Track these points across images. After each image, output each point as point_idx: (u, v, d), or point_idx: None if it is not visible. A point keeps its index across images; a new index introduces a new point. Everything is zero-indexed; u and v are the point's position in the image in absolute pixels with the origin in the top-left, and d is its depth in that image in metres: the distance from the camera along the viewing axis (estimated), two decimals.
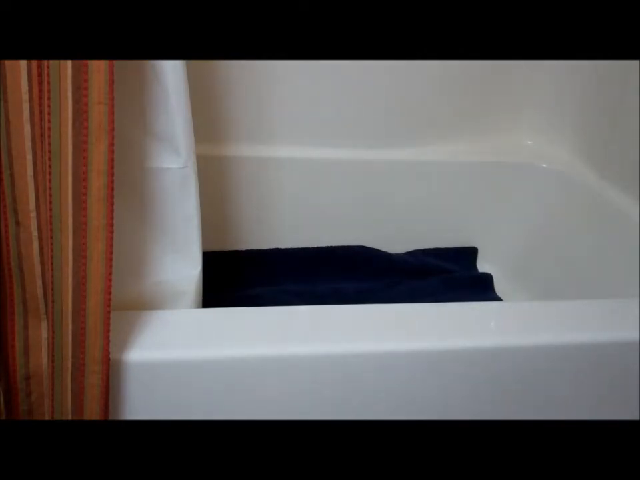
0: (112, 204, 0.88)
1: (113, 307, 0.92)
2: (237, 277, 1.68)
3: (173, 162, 1.09)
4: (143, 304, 1.12)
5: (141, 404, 1.01)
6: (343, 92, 1.70)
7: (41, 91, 0.83)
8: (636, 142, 1.50)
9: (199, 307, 1.21)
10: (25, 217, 0.89)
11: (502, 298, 1.74)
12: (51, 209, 0.87)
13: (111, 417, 0.97)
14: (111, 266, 0.90)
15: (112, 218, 0.88)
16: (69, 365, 0.92)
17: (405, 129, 1.76)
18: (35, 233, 0.89)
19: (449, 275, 1.76)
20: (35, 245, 0.90)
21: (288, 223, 1.79)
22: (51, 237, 0.88)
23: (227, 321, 1.09)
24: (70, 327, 0.90)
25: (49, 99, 0.83)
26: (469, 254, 1.86)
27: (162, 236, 1.14)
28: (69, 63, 0.81)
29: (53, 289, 0.90)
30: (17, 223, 0.89)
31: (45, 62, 0.82)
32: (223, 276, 1.56)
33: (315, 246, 1.79)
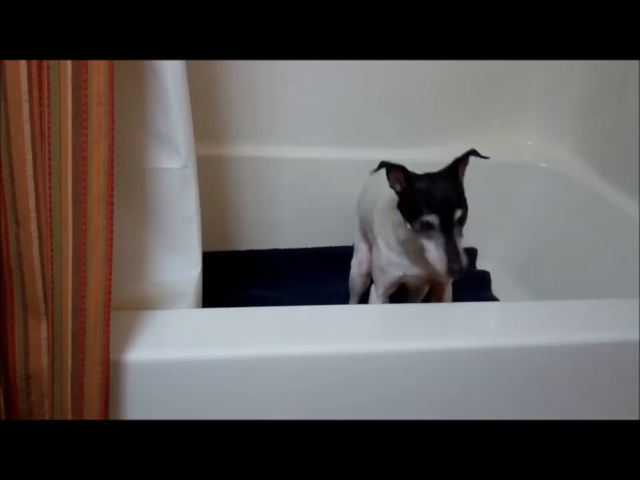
0: (112, 204, 0.88)
1: (113, 307, 0.92)
2: (237, 277, 1.68)
3: (173, 162, 1.09)
4: (143, 304, 1.11)
5: (141, 404, 1.01)
6: (343, 92, 1.70)
7: (40, 90, 0.83)
8: (636, 142, 1.50)
9: (199, 307, 1.21)
10: (25, 217, 0.89)
11: (500, 297, 1.75)
12: (50, 209, 0.87)
13: (111, 417, 0.97)
14: (110, 266, 0.90)
15: (112, 218, 0.88)
16: (69, 365, 0.92)
17: (405, 129, 1.75)
18: (34, 233, 0.89)
19: None
20: (35, 245, 0.90)
21: (288, 222, 1.79)
22: (51, 237, 0.88)
23: (226, 321, 1.09)
24: (70, 327, 0.90)
25: (48, 98, 0.83)
26: (468, 254, 1.86)
27: (162, 236, 1.13)
28: (69, 63, 0.81)
29: (53, 289, 0.90)
30: (17, 223, 0.89)
31: (45, 62, 0.82)
32: (223, 276, 1.56)
33: (315, 246, 1.79)
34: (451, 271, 1.07)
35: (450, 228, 1.08)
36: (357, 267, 1.50)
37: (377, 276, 1.30)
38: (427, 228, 1.07)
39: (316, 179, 1.75)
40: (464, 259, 1.08)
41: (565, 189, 1.76)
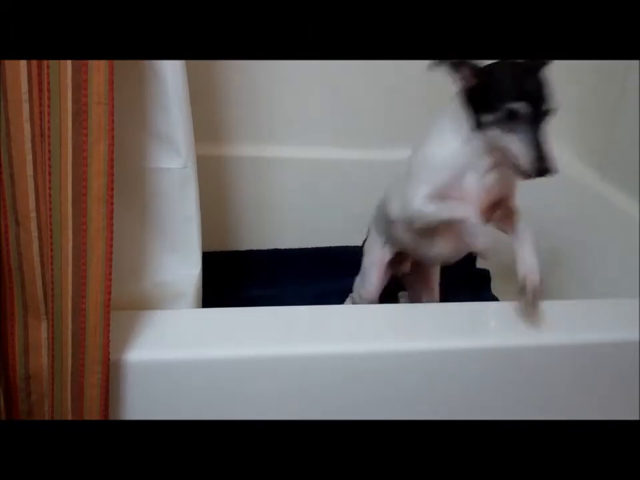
0: (112, 204, 0.88)
1: (113, 307, 0.92)
2: (237, 277, 1.68)
3: (173, 162, 1.09)
4: (143, 304, 1.12)
5: (141, 404, 1.01)
6: (343, 92, 1.70)
7: (40, 90, 0.83)
8: (636, 142, 1.50)
9: (198, 307, 1.21)
10: (25, 217, 0.89)
11: (499, 297, 1.74)
12: (50, 209, 0.87)
13: (111, 417, 0.97)
14: (110, 266, 0.90)
15: (112, 218, 0.88)
16: (69, 365, 0.92)
17: (405, 129, 1.75)
18: (34, 233, 0.89)
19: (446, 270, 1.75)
20: (35, 245, 0.90)
21: (288, 223, 1.79)
22: (51, 237, 0.88)
23: (226, 321, 1.09)
24: (70, 327, 0.90)
25: (49, 98, 0.83)
26: (468, 255, 1.86)
27: (162, 236, 1.13)
28: (69, 63, 0.81)
29: (53, 289, 0.90)
30: (17, 223, 0.89)
31: (45, 62, 0.82)
32: (223, 276, 1.56)
33: (315, 246, 1.79)
34: (536, 169, 0.89)
35: (538, 121, 0.92)
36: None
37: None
38: (510, 118, 0.91)
39: (316, 179, 1.75)
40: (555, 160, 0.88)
41: (565, 188, 1.76)
